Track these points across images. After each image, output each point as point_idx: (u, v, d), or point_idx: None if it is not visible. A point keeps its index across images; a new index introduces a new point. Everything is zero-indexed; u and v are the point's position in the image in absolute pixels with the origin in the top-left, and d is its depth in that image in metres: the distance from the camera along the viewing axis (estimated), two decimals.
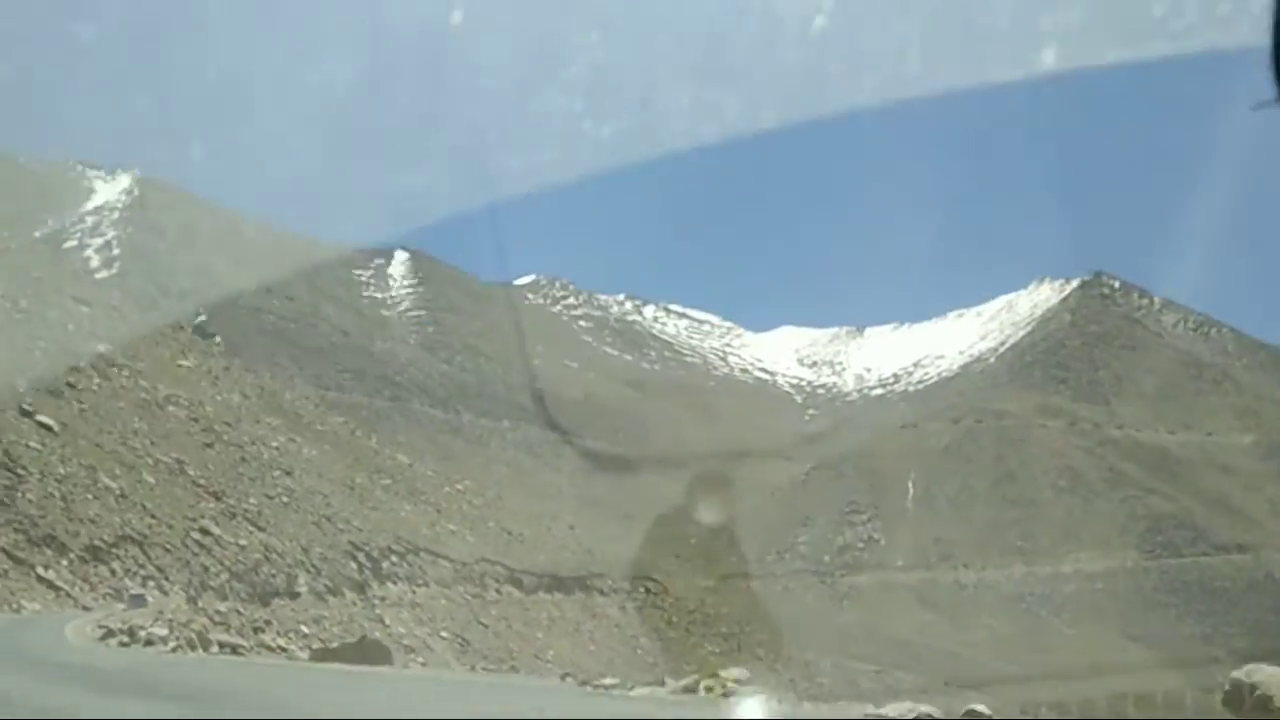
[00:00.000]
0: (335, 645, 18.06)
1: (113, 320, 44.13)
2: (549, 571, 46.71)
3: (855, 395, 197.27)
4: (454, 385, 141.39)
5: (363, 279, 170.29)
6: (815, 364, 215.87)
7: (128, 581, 23.35)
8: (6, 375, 30.05)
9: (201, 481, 31.17)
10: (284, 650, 18.21)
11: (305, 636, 21.11)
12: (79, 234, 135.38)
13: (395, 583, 35.13)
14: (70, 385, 32.59)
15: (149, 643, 14.59)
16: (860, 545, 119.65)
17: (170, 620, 17.18)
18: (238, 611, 21.60)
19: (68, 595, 21.39)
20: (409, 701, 9.06)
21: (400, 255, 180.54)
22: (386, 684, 11.21)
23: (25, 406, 28.34)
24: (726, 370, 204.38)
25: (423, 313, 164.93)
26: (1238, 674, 4.54)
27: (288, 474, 37.72)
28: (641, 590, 49.79)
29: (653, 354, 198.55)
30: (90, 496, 25.86)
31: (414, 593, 35.51)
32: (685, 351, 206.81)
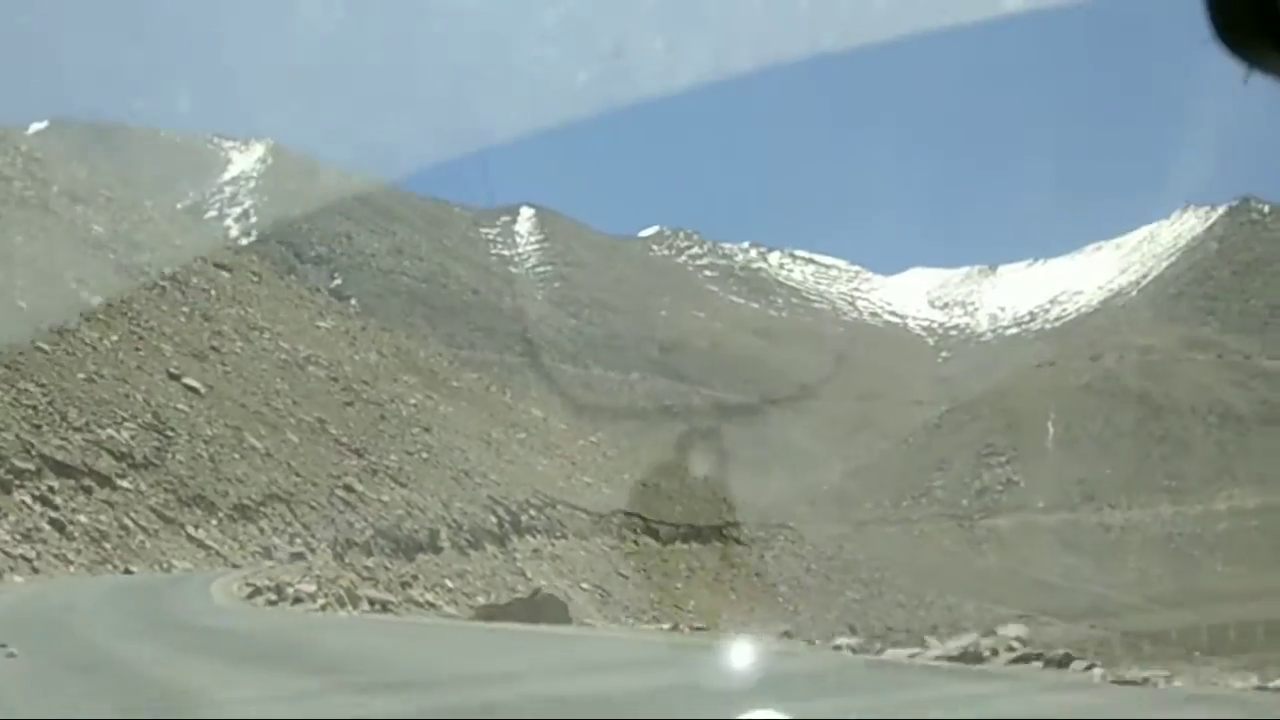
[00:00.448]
0: (505, 602, 17.58)
1: (253, 285, 45.22)
2: (685, 521, 46.56)
3: (989, 335, 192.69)
4: (583, 339, 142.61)
5: (490, 237, 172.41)
6: (947, 305, 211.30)
7: (276, 540, 23.93)
8: (154, 341, 30.98)
9: (343, 440, 31.80)
10: (432, 605, 18.36)
11: (450, 591, 21.36)
12: (218, 204, 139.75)
13: (534, 535, 35.39)
14: (214, 349, 33.50)
15: (297, 600, 14.56)
16: (999, 488, 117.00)
17: (318, 576, 17.35)
18: (385, 567, 21.92)
19: (217, 553, 22.00)
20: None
21: (526, 212, 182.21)
22: (582, 649, 9.82)
23: (172, 370, 29.21)
24: (856, 315, 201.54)
25: (549, 268, 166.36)
26: None
27: (426, 430, 38.24)
28: (780, 538, 49.42)
29: (779, 301, 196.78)
30: (237, 456, 26.55)
31: (553, 545, 35.73)
32: (813, 297, 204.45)
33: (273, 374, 35.07)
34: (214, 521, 23.02)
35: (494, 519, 34.12)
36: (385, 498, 29.30)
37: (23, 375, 24.17)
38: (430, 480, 33.24)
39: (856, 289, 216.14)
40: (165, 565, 20.46)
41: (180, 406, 27.39)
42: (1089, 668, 6.46)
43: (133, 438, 24.02)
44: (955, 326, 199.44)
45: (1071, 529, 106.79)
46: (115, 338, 29.93)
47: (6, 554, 18.42)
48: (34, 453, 21.66)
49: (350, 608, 14.77)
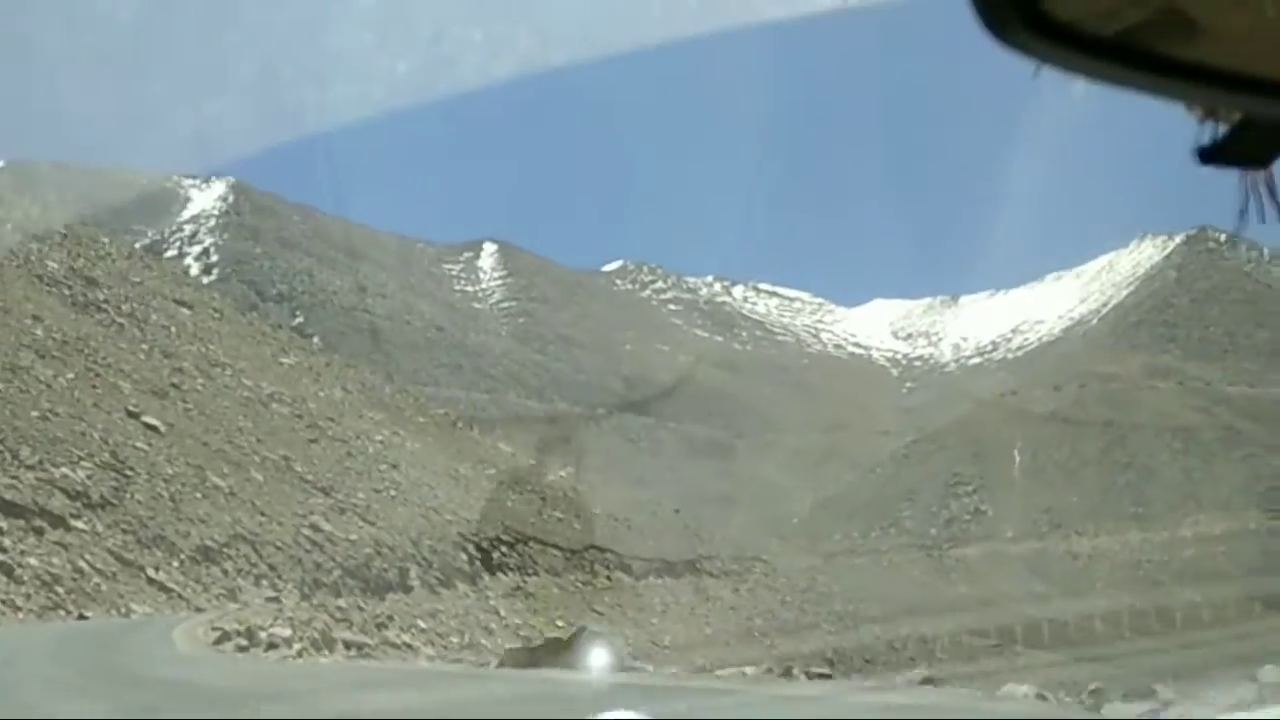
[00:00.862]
0: (538, 643, 15.90)
1: (214, 322, 44.33)
2: (657, 556, 45.97)
3: (953, 365, 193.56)
4: (548, 375, 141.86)
5: (453, 273, 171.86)
6: (910, 336, 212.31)
7: (241, 581, 23.07)
8: (113, 378, 30.08)
9: (309, 478, 30.97)
10: (409, 647, 17.53)
11: (424, 631, 20.57)
12: (178, 242, 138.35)
13: (506, 573, 34.63)
14: (175, 386, 32.61)
15: (271, 645, 13.55)
16: (967, 517, 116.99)
17: (290, 619, 16.49)
18: (359, 607, 21.07)
19: (179, 596, 21.09)
20: None
21: (489, 248, 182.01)
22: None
23: (131, 408, 28.33)
24: (820, 347, 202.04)
25: (513, 304, 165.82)
26: None
27: (394, 467, 37.46)
28: (755, 570, 48.85)
29: (744, 334, 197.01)
30: (199, 496, 25.68)
31: (525, 582, 34.97)
32: (777, 330, 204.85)
33: (235, 411, 34.20)
34: (175, 563, 22.13)
35: (465, 556, 33.35)
36: (353, 536, 28.49)
37: None
38: (399, 518, 32.43)
39: (820, 321, 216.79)
40: (123, 610, 19.47)
41: (139, 445, 26.50)
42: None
43: (89, 477, 23.12)
44: (919, 357, 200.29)
45: (1040, 557, 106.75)
46: (71, 375, 29.02)
47: None
48: None
49: (326, 651, 13.88)
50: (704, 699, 8.02)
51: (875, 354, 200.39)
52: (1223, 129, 1.16)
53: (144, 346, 35.80)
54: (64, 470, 22.90)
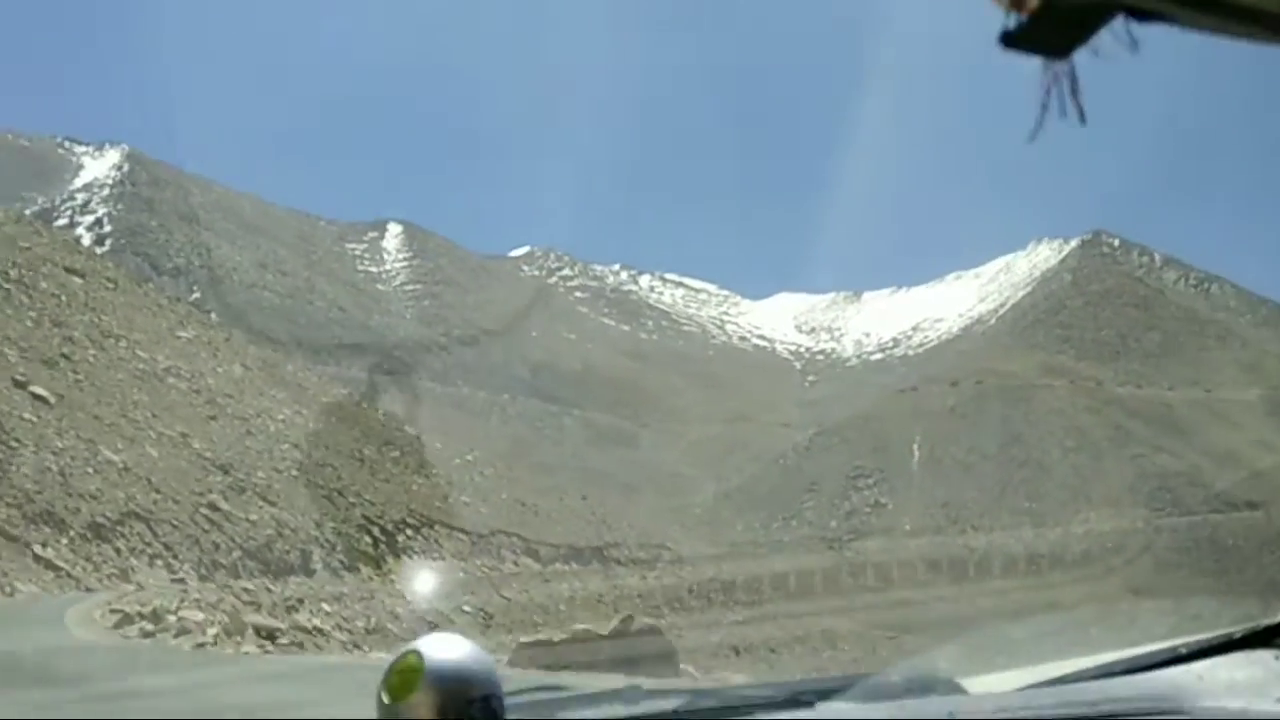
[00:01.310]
0: (554, 637, 13.74)
1: (108, 291, 42.48)
2: (565, 542, 45.42)
3: (855, 360, 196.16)
4: (453, 359, 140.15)
5: (356, 252, 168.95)
6: (814, 330, 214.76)
7: (134, 561, 21.90)
8: None
9: (207, 455, 29.72)
10: (320, 632, 16.60)
11: (329, 615, 19.73)
12: (69, 211, 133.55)
13: (411, 556, 33.77)
14: (65, 356, 31.06)
15: (183, 630, 12.36)
16: (867, 510, 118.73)
17: (198, 600, 15.40)
18: (267, 589, 20.06)
19: (69, 575, 19.86)
20: None
21: (394, 228, 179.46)
22: None
23: (18, 377, 26.83)
24: (725, 339, 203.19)
25: (419, 286, 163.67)
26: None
27: (295, 447, 36.26)
28: (661, 559, 48.51)
29: (650, 324, 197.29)
30: (90, 470, 24.37)
31: (430, 566, 34.13)
32: (683, 321, 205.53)
33: (130, 384, 32.70)
34: (64, 540, 20.87)
35: (369, 539, 32.41)
36: (253, 517, 27.39)
37: None
38: (301, 499, 31.34)
39: (726, 313, 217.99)
40: (7, 590, 18.19)
41: (27, 416, 25.08)
42: None
43: None
44: (822, 351, 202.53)
45: (937, 550, 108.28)
46: None
47: None
48: None
49: (238, 637, 12.85)
50: None
51: (779, 347, 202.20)
52: (1025, 16, 1.10)
53: (32, 314, 34.06)
54: None
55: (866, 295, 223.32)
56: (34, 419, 25.17)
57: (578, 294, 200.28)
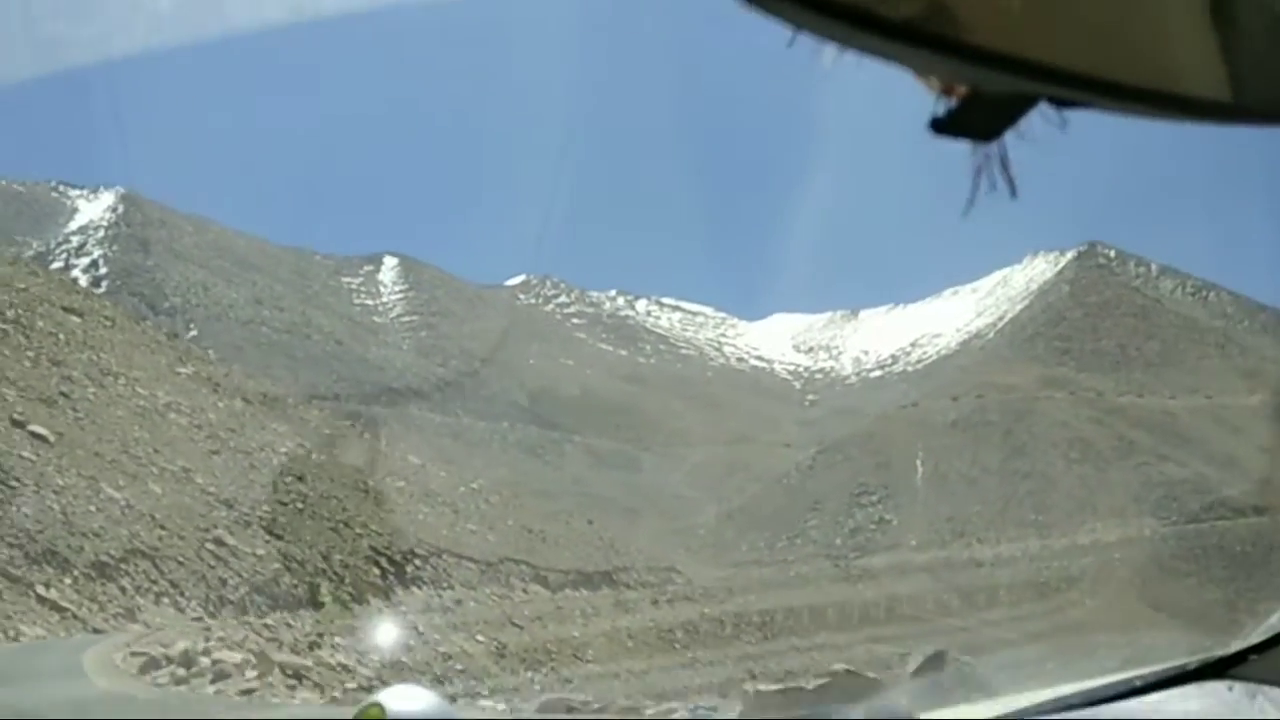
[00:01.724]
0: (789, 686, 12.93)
1: (106, 330, 42.12)
2: (573, 568, 44.95)
3: (854, 378, 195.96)
4: (451, 389, 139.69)
5: (353, 286, 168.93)
6: (811, 349, 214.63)
7: (140, 600, 21.40)
8: None
9: (211, 490, 29.29)
10: (345, 668, 15.98)
11: (343, 649, 19.24)
12: (65, 253, 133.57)
13: (420, 587, 33.28)
14: (64, 394, 30.66)
15: (221, 675, 11.40)
16: (872, 526, 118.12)
17: (222, 639, 14.69)
18: (287, 624, 19.50)
19: (74, 617, 19.33)
20: None
21: (390, 261, 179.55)
22: None
23: (17, 416, 26.42)
24: (723, 360, 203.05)
25: (415, 318, 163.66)
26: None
27: (300, 479, 35.81)
28: (673, 582, 48.02)
29: (648, 348, 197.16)
30: (93, 509, 23.93)
31: (440, 596, 33.65)
32: (680, 344, 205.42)
33: (130, 421, 32.30)
34: (68, 580, 20.40)
35: (377, 571, 31.93)
36: (260, 551, 26.94)
37: None
38: (307, 531, 30.88)
39: (723, 335, 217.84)
40: (11, 633, 17.59)
41: (26, 454, 24.66)
42: None
43: None
44: (820, 370, 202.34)
45: (943, 565, 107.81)
46: None
47: None
48: None
49: (269, 678, 12.02)
50: None
51: (778, 367, 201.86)
52: (955, 102, 1.20)
53: (30, 354, 33.69)
54: None
55: (863, 313, 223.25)
56: (34, 457, 24.76)
57: (574, 320, 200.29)
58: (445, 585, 34.42)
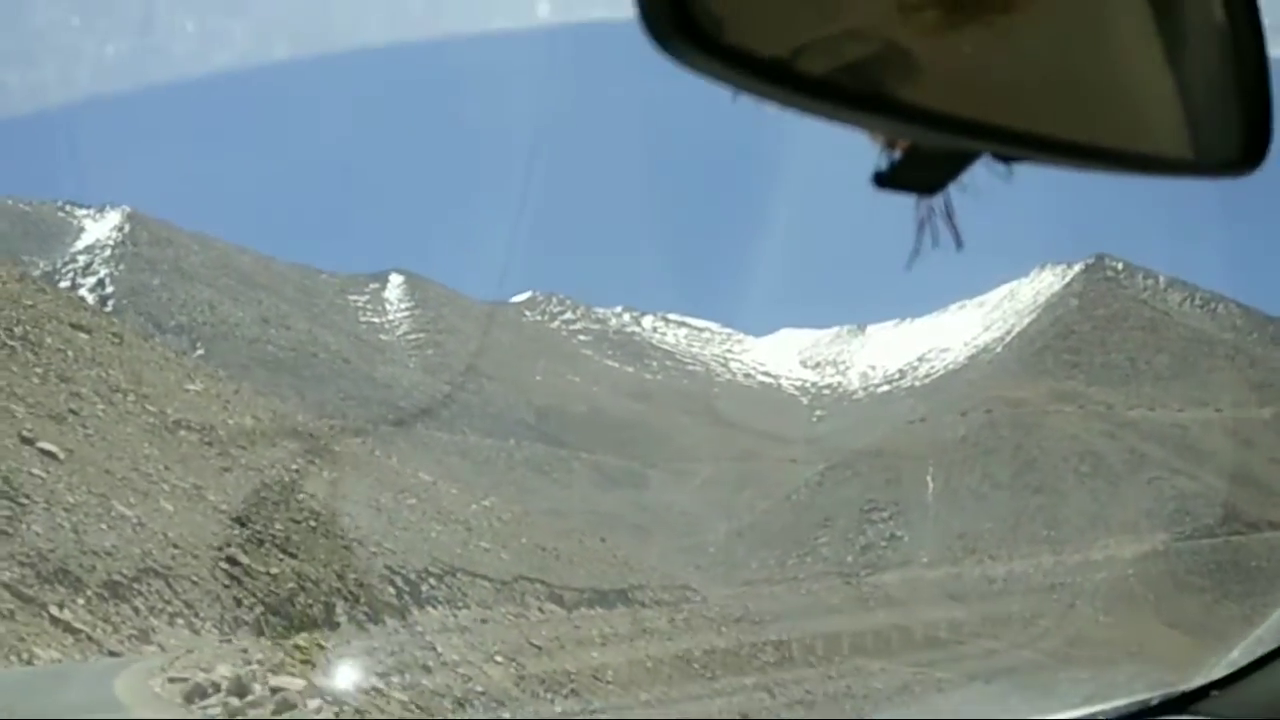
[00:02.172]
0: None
1: (114, 346, 41.67)
2: (588, 586, 44.28)
3: (861, 394, 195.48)
4: (458, 407, 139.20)
5: (358, 304, 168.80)
6: (818, 364, 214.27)
7: (154, 620, 20.80)
8: (4, 401, 27.60)
9: (223, 507, 28.76)
10: (379, 692, 15.29)
11: (371, 672, 18.66)
12: (71, 273, 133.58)
13: (435, 606, 32.64)
14: (73, 411, 30.17)
15: (286, 705, 10.36)
16: (883, 543, 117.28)
17: (263, 661, 13.94)
18: (319, 645, 18.86)
19: (89, 639, 18.70)
20: None
21: (395, 279, 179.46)
22: None
23: (25, 433, 25.92)
24: (730, 376, 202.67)
25: (422, 335, 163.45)
26: None
27: (311, 497, 35.25)
28: (690, 599, 47.36)
29: (654, 364, 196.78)
30: (104, 526, 23.38)
31: (456, 616, 33.01)
32: (687, 360, 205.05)
33: (140, 438, 31.79)
34: (81, 600, 19.83)
35: (392, 590, 31.31)
36: (274, 570, 26.36)
37: None
38: (321, 550, 30.30)
39: (729, 351, 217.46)
40: (25, 655, 16.79)
41: (36, 472, 24.14)
42: None
43: None
44: (828, 386, 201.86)
45: (956, 582, 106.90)
46: None
47: None
48: None
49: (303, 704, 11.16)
50: None
51: (784, 383, 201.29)
52: (898, 155, 1.25)
53: (38, 370, 33.21)
54: None
55: (870, 328, 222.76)
56: (44, 475, 24.25)
57: (580, 337, 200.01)
58: (461, 604, 33.80)
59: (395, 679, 19.00)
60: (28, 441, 25.82)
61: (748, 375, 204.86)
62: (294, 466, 38.61)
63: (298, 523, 31.62)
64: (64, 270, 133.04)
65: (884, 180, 1.21)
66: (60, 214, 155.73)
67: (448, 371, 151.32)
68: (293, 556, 27.71)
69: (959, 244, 1.23)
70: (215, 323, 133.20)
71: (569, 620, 37.60)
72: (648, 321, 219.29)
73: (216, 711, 9.64)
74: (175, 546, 24.40)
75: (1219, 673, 2.54)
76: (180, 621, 21.66)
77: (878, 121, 1.20)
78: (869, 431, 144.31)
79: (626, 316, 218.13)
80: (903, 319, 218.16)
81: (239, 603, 23.81)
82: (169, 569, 22.98)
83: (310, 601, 26.30)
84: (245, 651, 15.10)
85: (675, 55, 1.09)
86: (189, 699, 10.38)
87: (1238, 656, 2.76)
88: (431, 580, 33.94)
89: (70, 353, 37.11)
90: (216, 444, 35.75)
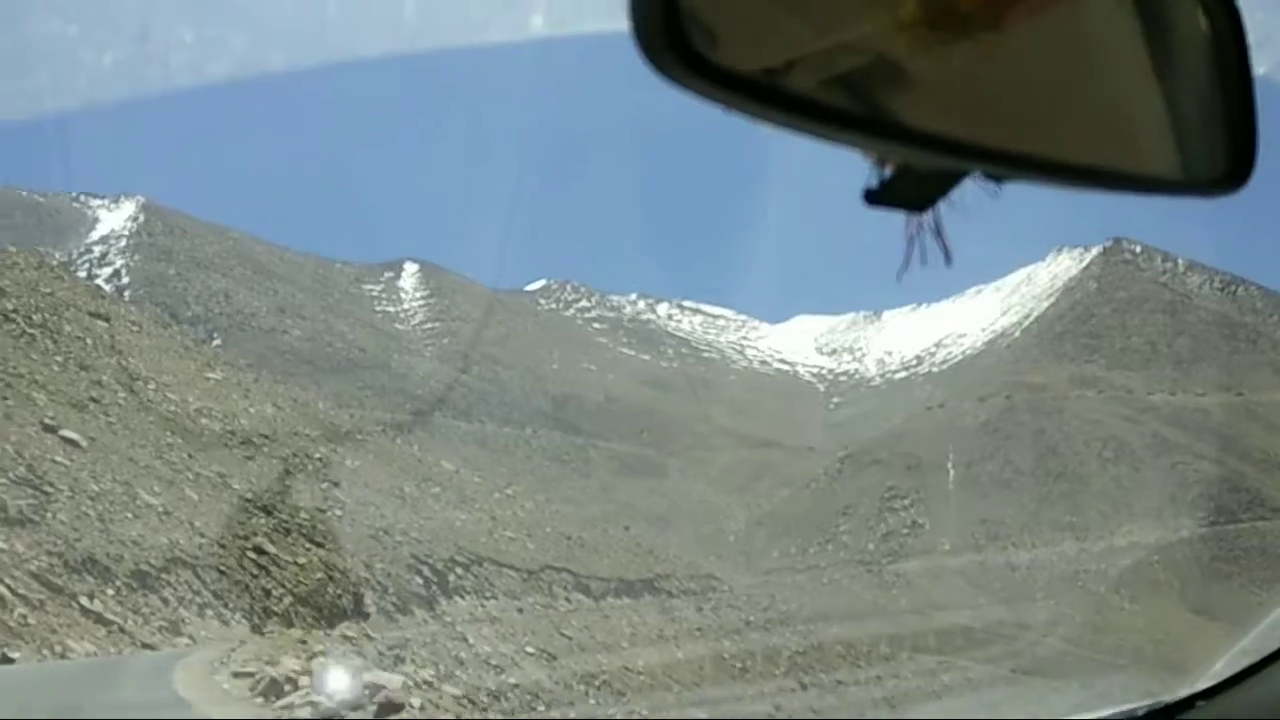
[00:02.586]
0: None
1: (133, 335, 41.17)
2: (615, 575, 43.65)
3: (879, 380, 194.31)
4: (474, 395, 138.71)
5: (374, 293, 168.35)
6: (835, 351, 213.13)
7: (184, 612, 20.20)
8: (25, 389, 27.04)
9: (249, 496, 28.20)
10: (429, 685, 14.62)
11: (401, 662, 18.05)
12: (87, 264, 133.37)
13: (463, 596, 32.05)
14: (94, 399, 29.62)
15: (391, 706, 9.37)
16: (904, 531, 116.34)
17: (321, 652, 13.28)
18: (367, 636, 18.23)
19: (121, 630, 18.05)
20: None
21: (410, 268, 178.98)
22: None
23: (47, 421, 25.37)
24: (746, 364, 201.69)
25: (437, 324, 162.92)
26: None
27: (335, 485, 34.72)
28: (717, 589, 46.74)
29: (670, 352, 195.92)
30: (130, 515, 22.81)
31: (484, 606, 32.41)
32: (703, 347, 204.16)
33: (162, 426, 31.24)
34: (110, 591, 19.24)
35: (420, 580, 30.71)
36: (301, 560, 25.78)
37: None
38: (347, 539, 29.71)
39: (745, 338, 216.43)
40: (58, 648, 15.95)
41: (59, 459, 23.59)
42: None
43: (3, 491, 20.24)
44: (845, 372, 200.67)
45: (979, 569, 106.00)
46: None
47: None
48: None
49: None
50: None
51: (801, 369, 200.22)
52: (888, 173, 1.30)
53: (58, 358, 32.68)
54: None
55: (886, 314, 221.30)
56: (67, 463, 23.72)
57: (595, 325, 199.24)
58: (489, 595, 33.19)
59: (427, 672, 18.37)
60: (50, 429, 25.28)
61: (764, 362, 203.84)
62: (317, 455, 38.06)
63: (323, 511, 31.08)
64: (80, 261, 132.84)
65: (874, 197, 1.24)
66: (75, 204, 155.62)
67: (463, 360, 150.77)
68: (320, 546, 27.14)
69: (948, 260, 1.25)
70: (232, 312, 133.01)
71: (598, 609, 37.03)
72: (663, 309, 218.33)
73: (305, 712, 8.70)
74: (202, 535, 23.87)
75: (1204, 684, 2.55)
76: (210, 613, 21.10)
77: (869, 141, 1.24)
78: (887, 418, 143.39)
79: (641, 304, 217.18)
80: (919, 305, 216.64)
81: (268, 593, 23.24)
82: (196, 559, 22.42)
83: (339, 591, 25.73)
84: (304, 644, 14.22)
85: (667, 74, 1.13)
86: (265, 696, 9.41)
87: (1222, 668, 2.78)
88: (459, 570, 33.36)
89: (90, 340, 36.60)
90: (239, 432, 35.25)
